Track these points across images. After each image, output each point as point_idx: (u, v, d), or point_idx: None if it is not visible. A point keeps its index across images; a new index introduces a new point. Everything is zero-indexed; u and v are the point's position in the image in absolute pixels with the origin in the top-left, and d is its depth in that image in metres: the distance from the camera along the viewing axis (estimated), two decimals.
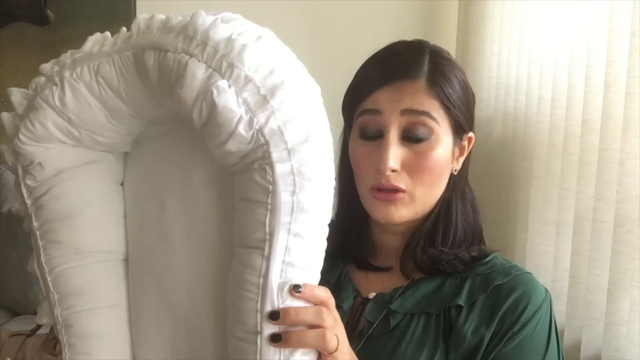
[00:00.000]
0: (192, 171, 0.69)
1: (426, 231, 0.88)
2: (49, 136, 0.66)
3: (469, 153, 0.90)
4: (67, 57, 0.65)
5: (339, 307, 0.88)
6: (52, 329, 0.76)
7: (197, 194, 0.70)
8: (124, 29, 0.66)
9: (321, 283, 0.91)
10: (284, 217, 0.61)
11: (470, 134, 0.88)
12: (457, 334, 0.81)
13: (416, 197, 0.84)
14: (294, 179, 0.60)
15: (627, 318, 1.07)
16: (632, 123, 1.06)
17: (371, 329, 0.85)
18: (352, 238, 0.92)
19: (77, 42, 0.66)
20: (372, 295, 0.88)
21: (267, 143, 0.59)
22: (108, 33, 0.67)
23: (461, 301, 0.82)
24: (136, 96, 0.64)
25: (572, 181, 1.24)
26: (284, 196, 0.60)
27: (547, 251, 1.33)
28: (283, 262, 0.61)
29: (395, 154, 0.81)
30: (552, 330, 0.82)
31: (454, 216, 0.87)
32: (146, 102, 0.65)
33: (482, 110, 1.62)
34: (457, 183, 0.88)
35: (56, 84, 0.64)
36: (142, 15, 0.65)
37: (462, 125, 0.85)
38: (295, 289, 0.62)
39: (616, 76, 1.11)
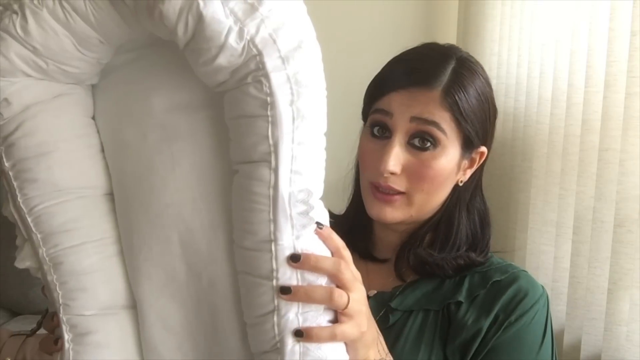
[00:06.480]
0: (169, 95, 0.66)
1: (423, 236, 0.89)
2: (13, 69, 0.62)
3: (481, 166, 0.89)
4: None
5: None
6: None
7: (178, 117, 0.67)
8: None
9: None
10: (286, 127, 0.59)
11: (483, 149, 0.88)
12: (457, 324, 0.81)
13: (413, 202, 0.84)
14: (290, 87, 0.59)
15: (627, 318, 1.06)
16: (632, 123, 1.05)
17: None
18: (356, 228, 0.93)
19: None
20: (372, 293, 0.89)
21: (260, 53, 0.57)
22: None
23: (461, 297, 0.83)
24: (106, 20, 0.60)
25: (572, 181, 1.24)
26: (283, 106, 0.59)
27: (547, 251, 1.33)
28: (290, 170, 0.60)
29: (396, 157, 0.82)
30: (547, 328, 0.82)
31: (456, 227, 0.87)
32: (117, 26, 0.61)
33: None
34: (463, 194, 0.88)
35: (16, 12, 0.59)
36: None
37: (471, 139, 0.85)
38: (318, 225, 0.62)
39: (616, 76, 1.10)
